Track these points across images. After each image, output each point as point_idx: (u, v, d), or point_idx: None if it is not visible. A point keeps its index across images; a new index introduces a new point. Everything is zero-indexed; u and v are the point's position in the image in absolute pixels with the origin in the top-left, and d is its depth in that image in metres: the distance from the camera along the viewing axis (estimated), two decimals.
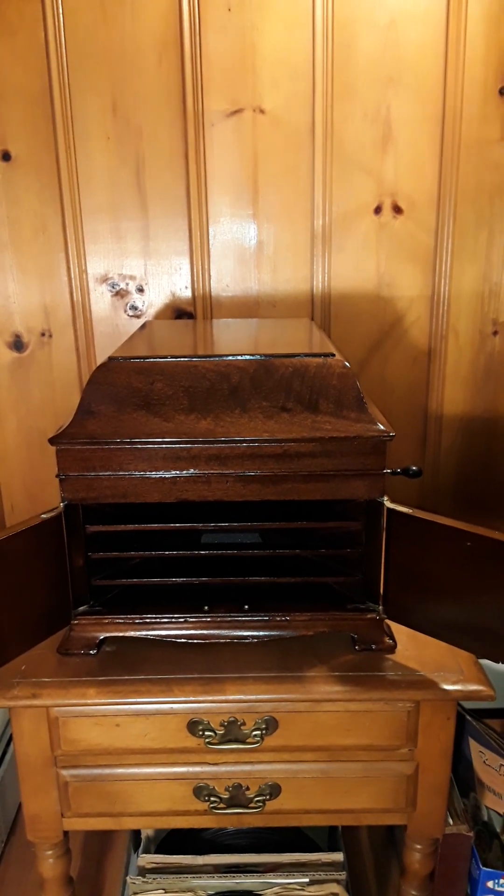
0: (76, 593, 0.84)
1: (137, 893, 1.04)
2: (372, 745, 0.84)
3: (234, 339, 1.00)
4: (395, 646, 0.85)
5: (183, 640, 0.84)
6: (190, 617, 0.84)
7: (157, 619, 0.84)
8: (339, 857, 1.07)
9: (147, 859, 1.07)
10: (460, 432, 1.34)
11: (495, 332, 1.28)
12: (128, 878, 1.06)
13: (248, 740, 0.83)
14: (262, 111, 1.17)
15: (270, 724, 0.82)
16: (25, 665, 0.83)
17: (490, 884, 1.06)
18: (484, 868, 1.06)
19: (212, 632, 0.84)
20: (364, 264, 1.25)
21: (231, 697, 0.80)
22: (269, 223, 1.23)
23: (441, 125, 1.18)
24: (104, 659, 0.84)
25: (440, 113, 1.17)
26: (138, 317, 1.28)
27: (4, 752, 1.30)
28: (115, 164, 1.19)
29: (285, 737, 0.83)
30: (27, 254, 1.24)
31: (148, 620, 0.84)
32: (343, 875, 1.05)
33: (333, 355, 0.80)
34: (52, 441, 0.78)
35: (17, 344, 1.28)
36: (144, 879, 1.04)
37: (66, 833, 0.89)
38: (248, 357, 0.79)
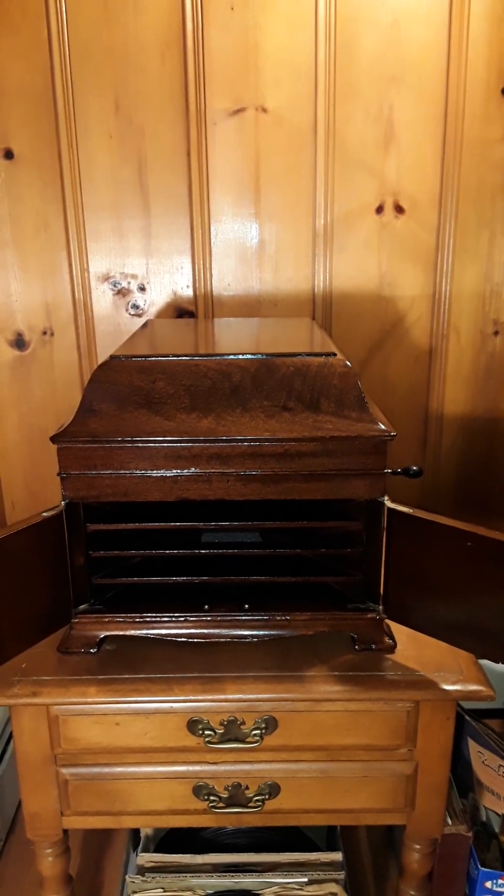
0: (77, 592, 0.84)
1: (136, 892, 1.04)
2: (371, 745, 0.84)
3: (236, 339, 1.00)
4: (394, 646, 0.85)
5: (183, 639, 0.84)
6: (190, 616, 0.84)
7: (158, 618, 0.84)
8: (337, 856, 1.07)
9: (146, 858, 1.07)
10: (461, 432, 1.34)
11: (496, 332, 1.28)
12: (127, 876, 1.06)
13: (247, 740, 0.83)
14: (264, 110, 1.17)
15: (270, 724, 0.83)
16: (26, 663, 0.83)
17: (488, 884, 1.06)
18: (482, 868, 1.06)
19: (212, 631, 0.84)
20: (365, 264, 1.25)
21: (231, 697, 0.80)
22: (270, 222, 1.23)
23: (443, 125, 1.18)
24: (104, 658, 0.84)
25: (442, 112, 1.17)
26: (140, 315, 1.28)
27: (4, 751, 1.30)
28: (118, 163, 1.19)
29: (285, 736, 0.83)
30: (29, 252, 1.24)
31: (148, 619, 0.84)
32: (342, 875, 1.05)
33: (335, 355, 0.80)
34: (53, 439, 0.78)
35: (19, 342, 1.28)
36: (143, 878, 1.04)
37: (65, 831, 0.89)
38: (249, 356, 0.79)
